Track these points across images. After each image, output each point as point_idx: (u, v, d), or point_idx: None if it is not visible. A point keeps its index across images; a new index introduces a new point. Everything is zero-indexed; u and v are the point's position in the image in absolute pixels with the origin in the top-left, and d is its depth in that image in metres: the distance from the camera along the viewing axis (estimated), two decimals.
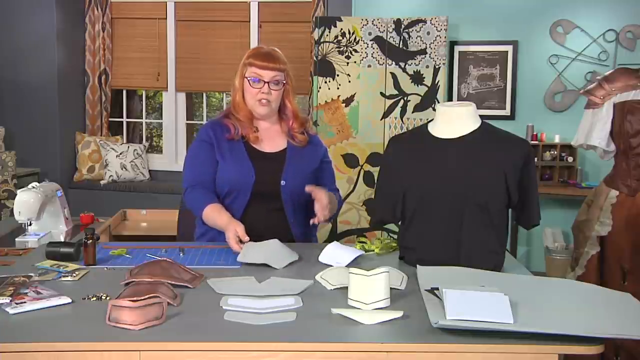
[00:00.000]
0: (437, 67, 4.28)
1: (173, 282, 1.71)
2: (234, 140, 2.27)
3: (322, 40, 4.37)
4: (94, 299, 1.63)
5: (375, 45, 4.32)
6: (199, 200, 2.24)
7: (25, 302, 1.56)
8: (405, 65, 4.30)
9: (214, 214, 2.18)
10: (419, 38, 4.28)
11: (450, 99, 4.77)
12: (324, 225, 4.42)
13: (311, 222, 2.18)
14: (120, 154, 5.25)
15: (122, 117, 5.70)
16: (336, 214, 2.37)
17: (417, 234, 1.95)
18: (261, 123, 2.32)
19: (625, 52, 4.53)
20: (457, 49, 4.76)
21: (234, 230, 2.06)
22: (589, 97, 2.65)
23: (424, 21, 4.27)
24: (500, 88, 4.75)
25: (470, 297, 1.47)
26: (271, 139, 2.32)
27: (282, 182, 2.24)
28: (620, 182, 2.57)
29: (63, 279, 1.81)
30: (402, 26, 4.29)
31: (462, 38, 4.75)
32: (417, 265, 1.85)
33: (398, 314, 1.50)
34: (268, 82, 2.24)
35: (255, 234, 2.13)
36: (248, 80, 2.25)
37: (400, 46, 4.30)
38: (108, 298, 1.62)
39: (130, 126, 5.90)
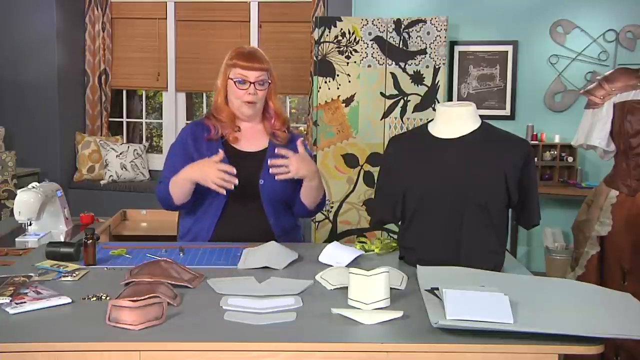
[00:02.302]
0: (437, 67, 4.27)
1: (173, 282, 1.71)
2: (213, 140, 2.27)
3: (322, 40, 4.37)
4: (94, 299, 1.63)
5: (375, 45, 4.32)
6: (165, 184, 2.22)
7: (25, 302, 1.56)
8: (405, 65, 4.30)
9: (176, 177, 2.16)
10: (419, 38, 4.28)
11: (450, 99, 4.77)
12: (324, 225, 4.43)
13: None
14: (120, 154, 5.25)
15: (122, 117, 5.69)
16: (321, 201, 2.33)
17: (417, 234, 1.95)
18: (243, 123, 2.33)
19: (625, 52, 4.53)
20: (457, 49, 4.76)
21: (211, 166, 2.05)
22: (589, 97, 2.65)
23: (424, 21, 4.27)
24: (500, 88, 4.75)
25: (470, 297, 1.47)
26: (252, 139, 2.32)
27: (261, 182, 2.24)
28: (620, 182, 2.57)
29: (63, 279, 1.81)
30: (402, 26, 4.29)
31: (462, 38, 4.75)
32: (417, 265, 1.85)
33: (398, 314, 1.50)
34: (253, 83, 2.23)
35: (234, 234, 2.13)
36: (233, 82, 2.25)
37: (400, 46, 4.30)
38: (108, 298, 1.62)
39: (130, 126, 5.89)
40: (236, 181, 2.07)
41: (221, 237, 2.24)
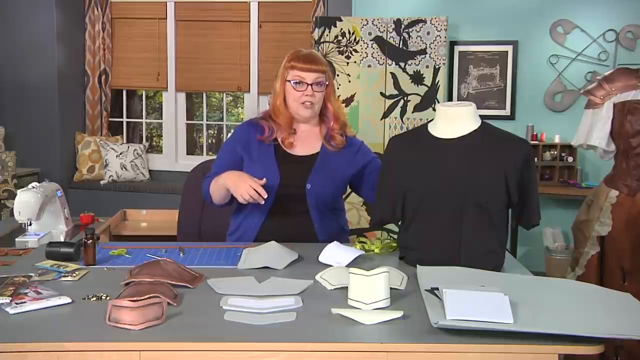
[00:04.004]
0: (437, 67, 4.28)
1: (173, 282, 1.71)
2: (265, 142, 2.27)
3: (322, 40, 4.37)
4: (94, 299, 1.63)
5: (375, 45, 4.32)
6: (207, 183, 2.28)
7: (25, 302, 1.56)
8: (405, 65, 4.30)
9: (216, 179, 2.22)
10: (419, 38, 4.28)
11: (450, 99, 4.78)
12: None
13: None
14: (120, 154, 5.25)
15: (122, 117, 5.70)
16: None
17: (417, 234, 1.95)
18: (301, 125, 2.31)
19: (625, 52, 4.53)
20: (457, 49, 4.76)
21: (246, 182, 2.08)
22: (589, 97, 2.65)
23: (424, 21, 4.27)
24: (500, 88, 4.75)
25: (470, 297, 1.47)
26: (306, 142, 2.30)
27: (308, 186, 2.24)
28: (620, 182, 2.57)
29: (63, 279, 1.81)
30: (402, 26, 4.29)
31: (462, 38, 4.75)
32: (417, 265, 1.85)
33: (398, 314, 1.50)
34: (311, 85, 2.23)
35: (279, 235, 2.14)
36: (291, 84, 2.23)
37: (400, 46, 4.30)
38: (108, 298, 1.62)
39: (130, 126, 5.89)
40: (263, 201, 2.09)
41: (265, 237, 2.19)
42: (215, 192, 2.24)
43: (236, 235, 2.34)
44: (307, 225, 2.26)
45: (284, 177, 2.22)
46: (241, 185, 2.08)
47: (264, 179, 2.11)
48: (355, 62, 4.34)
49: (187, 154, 5.61)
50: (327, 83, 2.28)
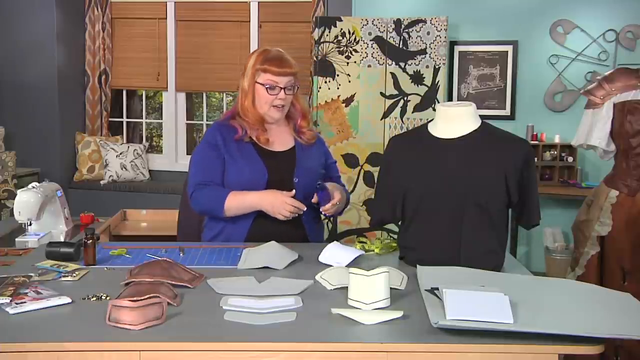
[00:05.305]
0: (437, 67, 4.27)
1: (173, 282, 1.71)
2: (243, 141, 2.26)
3: (322, 40, 4.37)
4: (94, 299, 1.63)
5: (375, 45, 4.32)
6: (216, 195, 2.21)
7: (25, 302, 1.56)
8: (405, 65, 4.30)
9: (239, 197, 2.19)
10: (419, 38, 4.28)
11: (450, 99, 4.77)
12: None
13: (322, 210, 2.21)
14: (120, 154, 5.25)
15: (122, 117, 5.69)
16: (344, 208, 2.38)
17: (417, 234, 1.95)
18: (270, 124, 2.32)
19: (625, 52, 4.53)
20: (457, 49, 4.76)
21: (283, 201, 2.12)
22: (589, 97, 2.65)
23: (424, 21, 4.27)
24: (500, 88, 4.75)
25: (470, 297, 1.47)
26: (280, 138, 2.32)
27: (295, 180, 2.25)
28: (620, 182, 2.57)
29: (63, 279, 1.81)
30: (402, 26, 4.29)
31: (462, 38, 4.75)
32: (417, 265, 1.85)
33: (398, 314, 1.50)
34: (283, 88, 2.23)
35: (269, 234, 2.14)
36: (264, 87, 2.23)
37: (400, 46, 4.30)
38: (108, 298, 1.62)
39: (130, 126, 5.89)
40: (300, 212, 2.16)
41: (256, 237, 2.20)
42: (238, 209, 2.21)
43: (221, 238, 2.30)
44: (295, 219, 2.25)
45: (272, 174, 2.23)
46: (278, 205, 2.13)
47: (293, 191, 2.15)
48: (355, 62, 4.34)
49: (187, 154, 5.61)
50: (297, 85, 2.28)
